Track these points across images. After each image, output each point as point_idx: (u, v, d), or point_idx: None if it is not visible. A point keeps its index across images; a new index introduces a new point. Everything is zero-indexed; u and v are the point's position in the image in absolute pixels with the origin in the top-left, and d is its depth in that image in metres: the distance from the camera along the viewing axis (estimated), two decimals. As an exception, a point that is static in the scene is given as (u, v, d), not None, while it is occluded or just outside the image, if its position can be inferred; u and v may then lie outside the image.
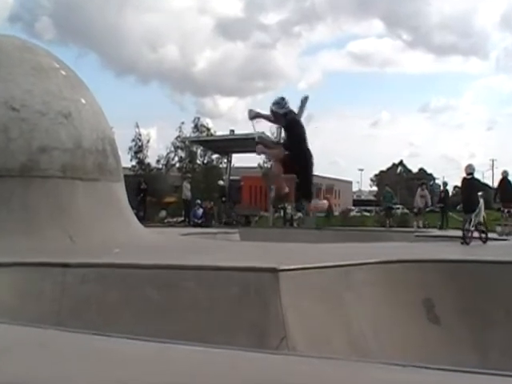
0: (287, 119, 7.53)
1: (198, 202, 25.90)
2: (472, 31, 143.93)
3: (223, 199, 28.76)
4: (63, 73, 12.82)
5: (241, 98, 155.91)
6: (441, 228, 21.99)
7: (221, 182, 30.40)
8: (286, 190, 6.73)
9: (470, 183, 13.95)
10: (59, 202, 11.43)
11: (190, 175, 32.83)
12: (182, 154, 45.50)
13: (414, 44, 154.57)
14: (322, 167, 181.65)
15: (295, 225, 29.90)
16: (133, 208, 15.82)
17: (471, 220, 13.61)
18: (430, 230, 21.84)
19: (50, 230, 10.97)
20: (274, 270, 7.58)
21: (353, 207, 67.22)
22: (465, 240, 13.50)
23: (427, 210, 23.74)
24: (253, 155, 44.04)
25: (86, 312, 7.79)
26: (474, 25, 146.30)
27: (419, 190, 23.82)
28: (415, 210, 23.62)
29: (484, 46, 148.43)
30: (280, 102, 7.11)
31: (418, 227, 22.35)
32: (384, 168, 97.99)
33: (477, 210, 13.71)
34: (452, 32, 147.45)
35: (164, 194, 42.34)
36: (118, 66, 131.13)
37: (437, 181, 77.45)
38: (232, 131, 31.89)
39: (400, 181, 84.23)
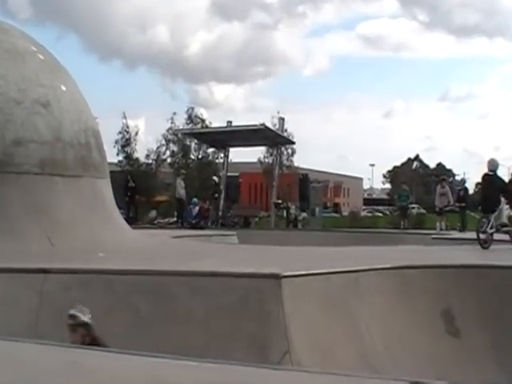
0: None
1: (195, 200, 25.91)
2: (497, 9, 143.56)
3: (215, 196, 28.78)
4: (41, 57, 12.79)
5: (239, 85, 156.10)
6: (461, 230, 21.99)
7: (215, 178, 30.47)
8: None
9: (491, 180, 13.92)
10: (36, 201, 11.40)
11: (184, 171, 32.80)
12: (174, 147, 45.30)
13: (431, 25, 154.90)
14: (330, 162, 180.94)
15: (299, 226, 29.91)
16: (120, 208, 15.81)
17: (489, 221, 13.57)
18: (451, 231, 21.86)
19: (27, 232, 10.95)
20: (276, 277, 7.56)
21: (363, 206, 67.27)
22: (480, 243, 13.45)
23: (446, 209, 23.71)
24: (252, 149, 44.07)
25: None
26: (499, 2, 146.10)
27: (439, 187, 23.75)
28: (437, 210, 23.57)
29: (511, 26, 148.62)
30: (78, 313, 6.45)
31: (441, 229, 22.32)
32: (398, 163, 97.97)
33: (497, 211, 13.69)
34: (475, 11, 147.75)
35: (154, 193, 42.31)
36: (102, 49, 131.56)
37: (457, 177, 77.47)
38: (229, 123, 31.89)
39: (416, 177, 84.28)
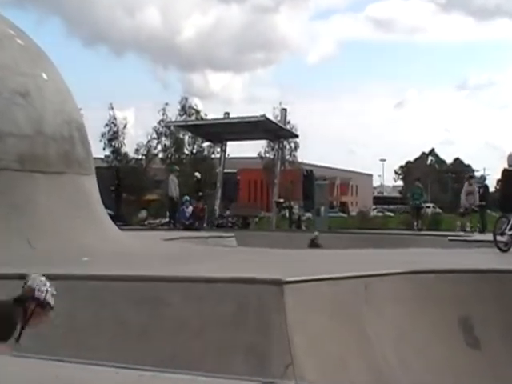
0: None
1: (187, 198, 25.95)
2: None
3: (199, 194, 28.96)
4: (20, 42, 12.78)
5: (237, 74, 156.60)
6: (481, 231, 22.02)
7: (197, 175, 30.60)
8: None
9: (511, 176, 13.94)
10: (15, 200, 11.40)
11: (177, 168, 32.88)
12: (166, 141, 45.51)
13: (448, 6, 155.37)
14: (336, 157, 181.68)
15: (303, 227, 29.96)
16: (106, 207, 15.81)
17: (509, 221, 13.54)
18: (475, 234, 21.95)
19: (4, 233, 10.95)
20: (278, 282, 7.56)
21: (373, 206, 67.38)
22: (498, 246, 13.43)
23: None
24: (252, 143, 44.11)
25: (49, 334, 7.76)
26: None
27: (466, 185, 23.73)
28: (461, 210, 23.55)
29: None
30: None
31: (464, 230, 22.29)
32: (411, 158, 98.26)
33: None
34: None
35: (144, 191, 42.42)
36: (86, 33, 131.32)
37: (476, 173, 77.63)
38: (227, 114, 31.92)
39: (431, 174, 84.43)
